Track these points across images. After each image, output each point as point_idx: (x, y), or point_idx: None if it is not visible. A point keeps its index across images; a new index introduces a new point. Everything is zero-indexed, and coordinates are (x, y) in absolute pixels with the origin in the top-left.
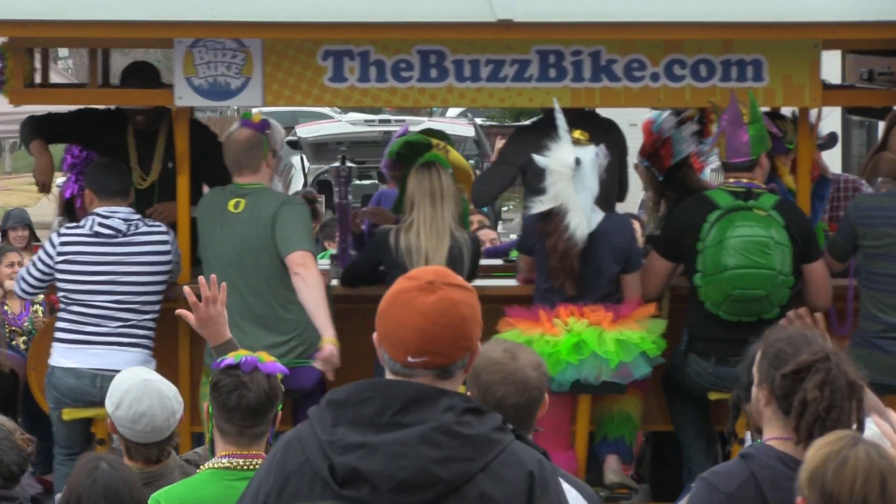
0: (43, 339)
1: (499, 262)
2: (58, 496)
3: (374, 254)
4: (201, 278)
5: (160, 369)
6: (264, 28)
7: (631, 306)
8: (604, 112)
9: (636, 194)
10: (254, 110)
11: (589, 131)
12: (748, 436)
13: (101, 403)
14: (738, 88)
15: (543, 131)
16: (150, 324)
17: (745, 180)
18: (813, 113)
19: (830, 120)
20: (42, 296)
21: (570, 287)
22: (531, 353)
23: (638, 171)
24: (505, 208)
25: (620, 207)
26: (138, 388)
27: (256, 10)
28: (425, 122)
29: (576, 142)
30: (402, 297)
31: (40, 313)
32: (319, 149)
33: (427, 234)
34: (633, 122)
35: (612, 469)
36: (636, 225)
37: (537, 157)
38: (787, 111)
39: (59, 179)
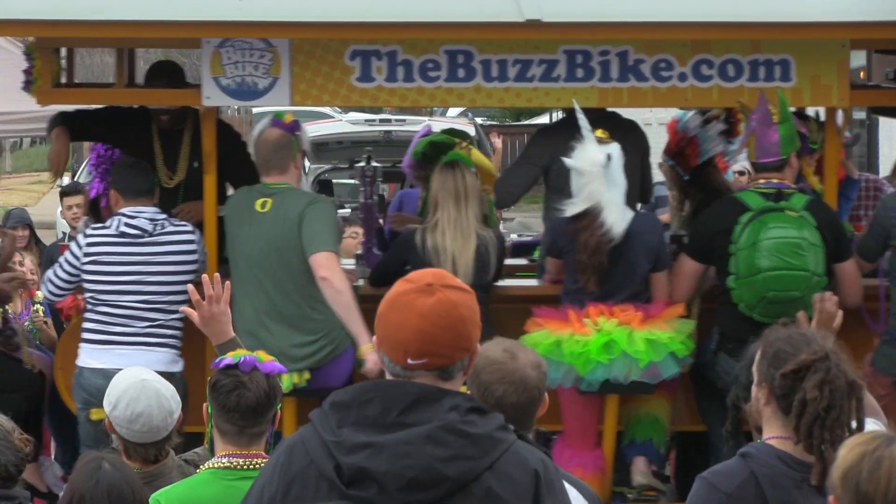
0: (70, 339)
1: (522, 261)
2: None
3: (401, 253)
4: (205, 277)
5: (188, 369)
6: (292, 28)
7: (660, 306)
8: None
9: None
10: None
11: (610, 132)
12: None
13: None
14: (765, 88)
15: (566, 131)
16: (178, 323)
17: (775, 181)
18: (840, 113)
19: None
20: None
21: (594, 284)
22: (531, 352)
23: (662, 170)
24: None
25: None
26: (135, 388)
27: (284, 11)
28: (425, 122)
29: (599, 140)
30: (400, 299)
31: (41, 313)
32: (320, 148)
33: (453, 235)
34: (648, 121)
35: (640, 471)
36: None
37: (567, 160)
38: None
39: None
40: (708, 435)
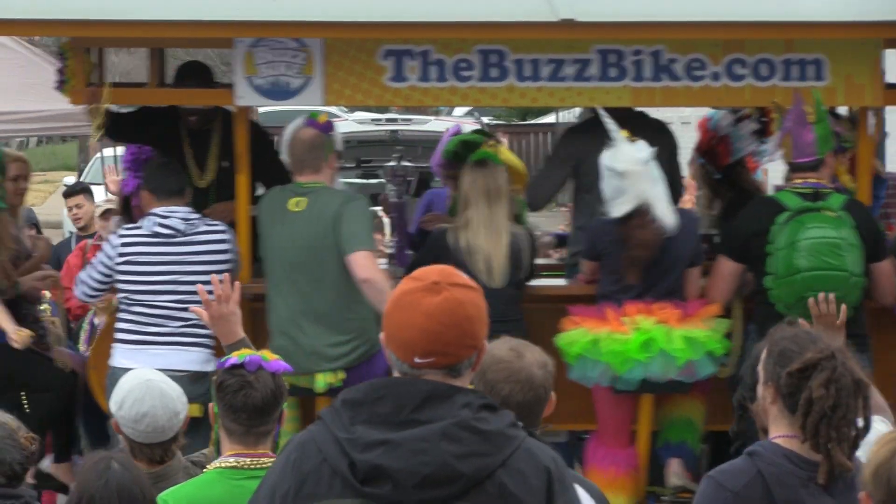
0: (103, 339)
1: (550, 260)
2: None
3: (433, 253)
4: (213, 276)
5: None
6: (325, 28)
7: (697, 305)
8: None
9: None
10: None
11: (639, 131)
12: None
13: None
14: (798, 88)
15: (593, 130)
16: None
17: (812, 180)
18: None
19: None
20: (49, 294)
21: (640, 278)
22: (537, 351)
23: (692, 169)
24: None
25: None
26: (140, 389)
27: (317, 10)
28: (431, 121)
29: (628, 140)
30: (406, 298)
31: (49, 313)
32: None
33: (486, 234)
34: (669, 120)
35: (675, 472)
36: None
37: (608, 162)
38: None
39: (67, 178)
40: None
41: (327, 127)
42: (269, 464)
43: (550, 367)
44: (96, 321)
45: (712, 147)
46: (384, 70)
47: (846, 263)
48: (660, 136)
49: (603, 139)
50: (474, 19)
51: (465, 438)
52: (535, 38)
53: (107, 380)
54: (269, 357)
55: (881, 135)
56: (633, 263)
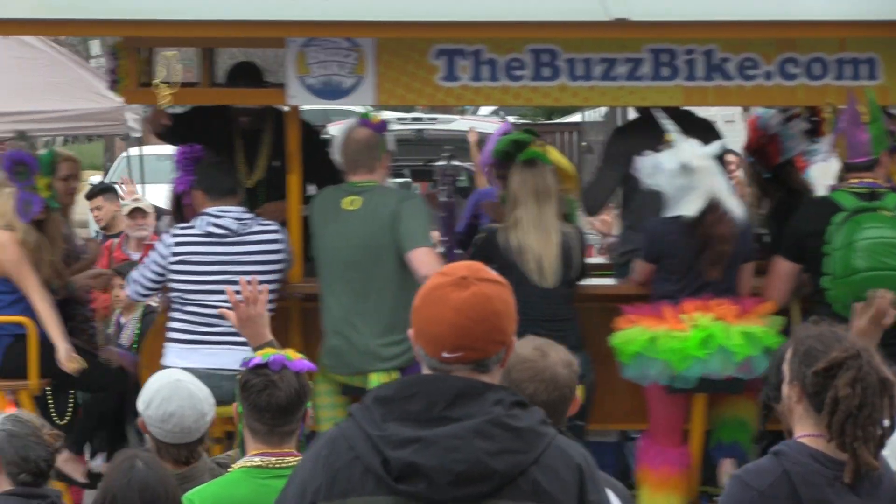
0: (155, 338)
1: (600, 260)
2: None
3: (484, 253)
4: (241, 278)
5: None
6: (377, 27)
7: (754, 301)
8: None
9: None
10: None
11: (687, 130)
12: None
13: (219, 402)
14: (851, 87)
15: (642, 129)
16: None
17: (867, 180)
18: None
19: None
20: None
21: (720, 272)
22: (562, 350)
23: (742, 167)
24: None
25: None
26: (169, 388)
27: (368, 10)
28: (457, 120)
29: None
30: (435, 293)
31: None
32: None
33: (536, 233)
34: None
35: (728, 472)
36: None
37: (675, 159)
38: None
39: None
40: None
41: (381, 127)
42: (294, 463)
43: (575, 366)
44: (122, 320)
45: (762, 146)
46: (436, 69)
47: None
48: (707, 135)
49: (653, 138)
50: (526, 18)
51: (497, 435)
52: (587, 38)
53: None
54: (292, 356)
55: None
56: (718, 260)
